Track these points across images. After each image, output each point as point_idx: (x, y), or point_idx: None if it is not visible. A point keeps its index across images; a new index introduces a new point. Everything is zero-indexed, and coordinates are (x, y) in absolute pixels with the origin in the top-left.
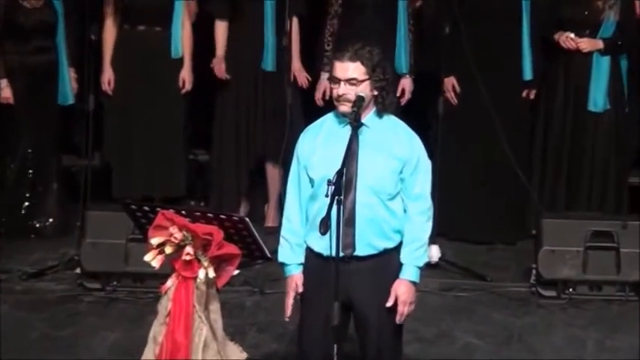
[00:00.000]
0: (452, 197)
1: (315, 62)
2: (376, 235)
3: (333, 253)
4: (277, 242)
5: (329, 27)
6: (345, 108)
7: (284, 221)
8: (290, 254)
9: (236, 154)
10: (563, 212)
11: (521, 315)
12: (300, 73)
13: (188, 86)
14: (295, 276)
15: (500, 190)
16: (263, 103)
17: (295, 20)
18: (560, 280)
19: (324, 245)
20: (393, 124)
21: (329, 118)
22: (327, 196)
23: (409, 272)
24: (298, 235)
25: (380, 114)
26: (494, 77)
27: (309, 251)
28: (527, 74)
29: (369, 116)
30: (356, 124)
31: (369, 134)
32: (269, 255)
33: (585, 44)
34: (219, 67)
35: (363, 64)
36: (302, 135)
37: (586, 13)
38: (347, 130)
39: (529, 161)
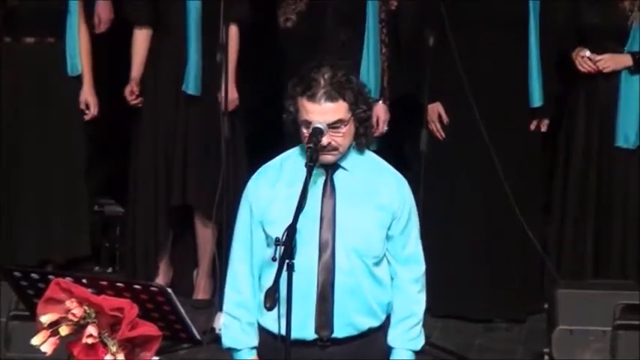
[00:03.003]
0: (438, 260)
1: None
2: (359, 311)
3: (283, 333)
4: (208, 320)
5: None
6: (330, 158)
7: (229, 293)
8: (240, 336)
9: (154, 206)
10: (584, 280)
11: None
12: (231, 98)
13: (94, 110)
14: None
15: (502, 252)
16: (185, 137)
17: (234, 29)
18: None
19: (284, 324)
20: (376, 164)
21: (290, 156)
22: (274, 259)
23: (402, 358)
24: (250, 311)
25: (361, 151)
26: (494, 103)
27: (264, 333)
28: (536, 100)
29: (347, 155)
30: (312, 165)
31: (347, 179)
32: (198, 337)
33: (607, 62)
34: (132, 90)
35: (345, 99)
36: (254, 178)
37: (609, 18)
38: (317, 174)
39: (542, 213)
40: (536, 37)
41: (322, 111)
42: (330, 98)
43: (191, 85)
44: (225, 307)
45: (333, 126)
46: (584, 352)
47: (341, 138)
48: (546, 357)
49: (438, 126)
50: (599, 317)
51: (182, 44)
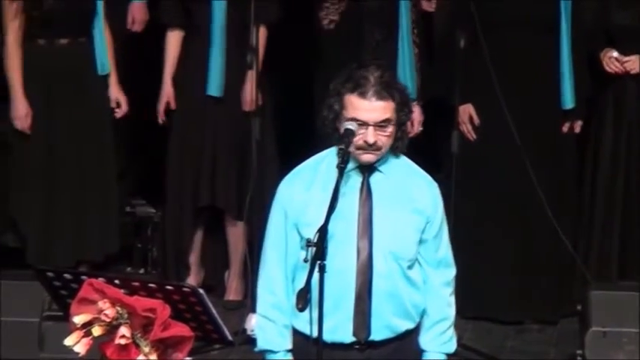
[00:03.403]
0: (470, 262)
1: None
2: (396, 313)
3: (316, 335)
4: (240, 321)
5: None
6: (372, 157)
7: (264, 295)
8: (276, 338)
9: (184, 207)
10: (617, 282)
11: None
12: (254, 103)
13: (125, 107)
14: None
15: (534, 253)
16: (214, 138)
17: (262, 30)
18: None
19: (325, 328)
20: (409, 168)
21: (324, 159)
22: (306, 260)
23: None
24: (285, 313)
25: (396, 155)
26: (525, 105)
27: (297, 336)
28: (568, 102)
29: (382, 158)
30: (343, 167)
31: (383, 182)
32: (230, 338)
33: (635, 63)
34: (163, 102)
35: (394, 99)
36: (287, 181)
37: (639, 19)
38: (353, 176)
39: (576, 215)
40: (568, 39)
41: (372, 108)
42: (381, 97)
43: (213, 86)
44: (259, 309)
45: (380, 125)
46: (617, 354)
47: (386, 138)
48: (579, 359)
49: (469, 127)
50: (632, 319)
51: (209, 45)
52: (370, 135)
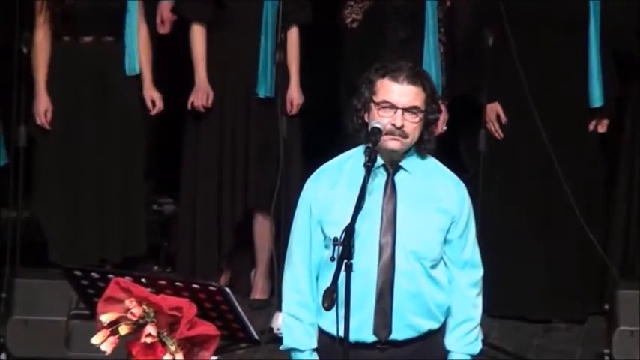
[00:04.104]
0: (497, 261)
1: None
2: (418, 312)
3: (343, 334)
4: (266, 319)
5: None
6: (398, 144)
7: (290, 293)
8: (303, 337)
9: (213, 204)
10: None
11: None
12: (297, 102)
13: (160, 104)
14: None
15: (561, 252)
16: (247, 137)
17: (295, 30)
18: None
19: (351, 326)
20: (436, 168)
21: (350, 158)
22: (332, 259)
23: None
24: (311, 311)
25: (422, 155)
26: (553, 103)
27: (322, 335)
28: (596, 100)
29: (408, 157)
30: (371, 165)
31: (408, 181)
32: (256, 337)
33: None
34: (202, 95)
35: (424, 89)
36: (313, 179)
37: None
38: (379, 175)
39: (603, 214)
40: (597, 38)
41: (403, 92)
42: (412, 82)
43: (263, 86)
44: (285, 307)
45: (410, 110)
46: None
47: (414, 126)
48: (606, 358)
49: (497, 126)
50: None
51: (249, 44)
52: (398, 118)
